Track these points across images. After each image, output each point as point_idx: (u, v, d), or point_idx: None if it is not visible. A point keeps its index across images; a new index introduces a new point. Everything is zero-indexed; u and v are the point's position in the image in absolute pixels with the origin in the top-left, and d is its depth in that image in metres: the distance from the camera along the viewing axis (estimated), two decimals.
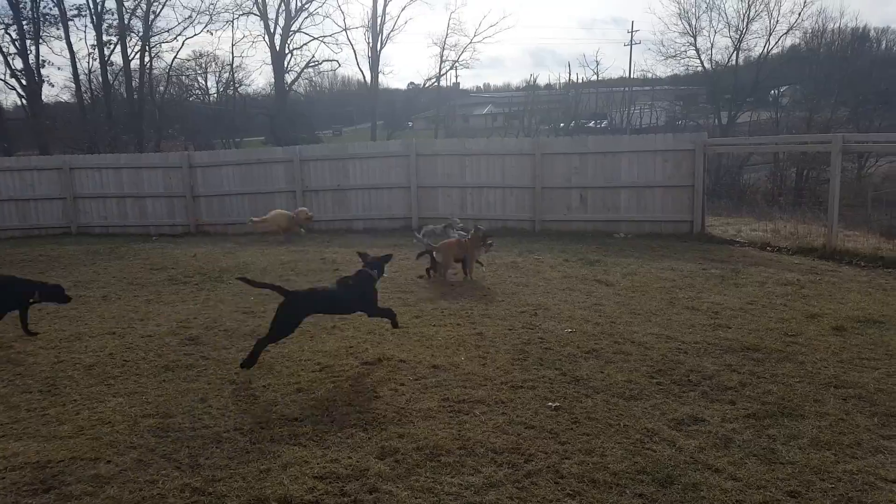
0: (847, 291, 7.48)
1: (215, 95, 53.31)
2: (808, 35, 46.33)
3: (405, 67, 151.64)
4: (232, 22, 52.66)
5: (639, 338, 5.78)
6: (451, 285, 8.18)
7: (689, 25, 44.53)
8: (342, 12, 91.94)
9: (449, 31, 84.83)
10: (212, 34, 78.70)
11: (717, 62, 44.91)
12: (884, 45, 58.89)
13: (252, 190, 14.65)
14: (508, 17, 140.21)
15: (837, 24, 48.36)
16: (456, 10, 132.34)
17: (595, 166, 12.87)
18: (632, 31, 59.63)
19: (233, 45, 51.95)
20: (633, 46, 59.49)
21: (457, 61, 52.63)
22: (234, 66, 49.77)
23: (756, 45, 44.50)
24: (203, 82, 51.71)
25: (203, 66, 49.44)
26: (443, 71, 52.85)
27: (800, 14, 43.08)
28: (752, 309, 6.76)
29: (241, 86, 51.82)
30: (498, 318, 6.57)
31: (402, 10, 72.08)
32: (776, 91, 47.96)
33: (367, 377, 5.01)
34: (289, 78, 48.96)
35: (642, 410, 4.31)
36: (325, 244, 11.97)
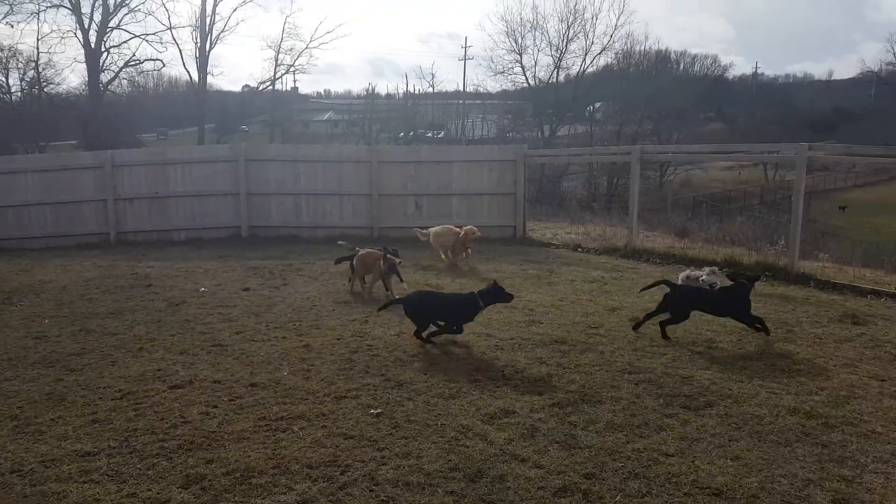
0: (643, 286, 8.32)
1: (19, 94, 47.29)
2: (619, 56, 51.14)
3: (238, 69, 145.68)
4: (38, 14, 46.99)
5: (461, 338, 5.99)
6: (272, 300, 7.91)
7: (516, 43, 47.21)
8: (167, 10, 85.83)
9: (284, 34, 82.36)
10: (12, 27, 69.68)
11: (540, 79, 48.02)
12: (682, 67, 66.81)
13: (56, 199, 13.14)
14: (345, 24, 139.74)
15: (643, 47, 53.86)
16: (291, 15, 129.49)
17: (429, 175, 13.22)
18: (465, 47, 62.27)
19: (38, 40, 46.34)
20: (467, 61, 62.01)
21: (293, 66, 51.40)
22: (39, 62, 44.46)
23: (574, 64, 48.32)
24: (3, 79, 45.65)
25: (3, 61, 43.67)
26: (278, 74, 51.43)
27: (611, 36, 47.09)
28: (563, 305, 7.30)
29: (48, 85, 46.42)
30: (327, 329, 6.47)
31: (234, 10, 68.62)
32: (592, 107, 52.44)
33: (176, 402, 4.68)
34: (105, 77, 44.82)
35: (459, 408, 4.46)
36: (139, 257, 11.06)
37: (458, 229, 10.07)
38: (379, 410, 4.44)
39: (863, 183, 58.05)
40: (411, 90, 58.07)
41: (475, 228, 10.00)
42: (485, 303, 5.90)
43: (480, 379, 5.00)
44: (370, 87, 61.66)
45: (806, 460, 3.74)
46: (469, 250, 10.05)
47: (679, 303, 6.04)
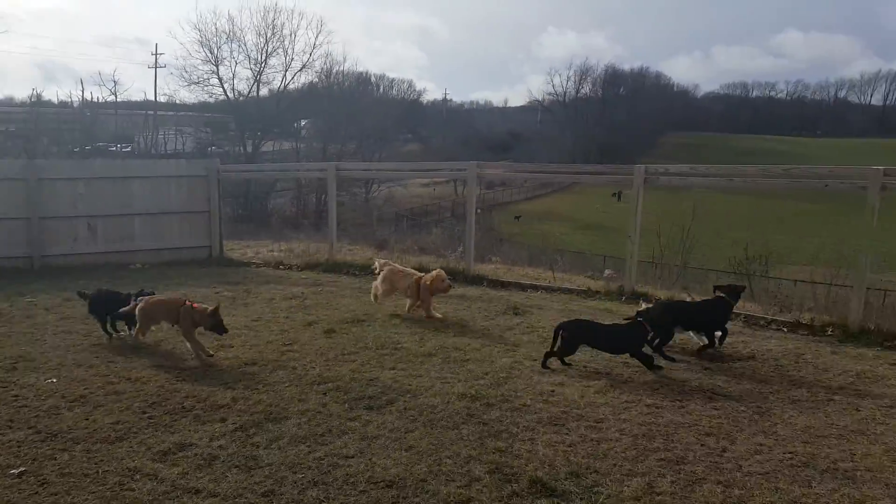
0: (341, 298, 8.55)
1: None
2: (321, 74, 52.12)
3: None
4: None
5: (136, 373, 5.40)
6: None
7: (211, 54, 45.02)
8: None
9: None
10: None
11: (240, 92, 46.57)
12: (381, 89, 70.90)
13: None
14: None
15: (342, 67, 55.76)
16: None
17: (105, 192, 11.71)
18: (156, 54, 57.28)
19: None
20: (159, 69, 57.16)
21: None
22: None
23: (275, 79, 47.95)
24: None
25: None
26: None
27: (311, 54, 47.84)
28: (257, 325, 7.09)
29: None
30: None
31: None
32: (298, 123, 52.61)
33: None
34: None
35: (127, 450, 4.00)
36: None
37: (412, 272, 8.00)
38: (21, 469, 3.75)
39: (532, 196, 68.21)
40: (88, 98, 51.43)
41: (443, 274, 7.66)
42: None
43: (155, 414, 4.56)
44: (34, 93, 52.73)
45: (469, 439, 4.17)
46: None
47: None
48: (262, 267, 11.39)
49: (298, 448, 4.02)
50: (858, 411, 4.84)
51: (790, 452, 4.10)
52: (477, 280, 9.71)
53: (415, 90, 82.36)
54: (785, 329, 7.40)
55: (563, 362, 5.78)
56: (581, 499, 3.48)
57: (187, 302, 5.97)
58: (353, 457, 3.91)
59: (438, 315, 7.49)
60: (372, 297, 7.96)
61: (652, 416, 4.63)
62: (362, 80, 61.36)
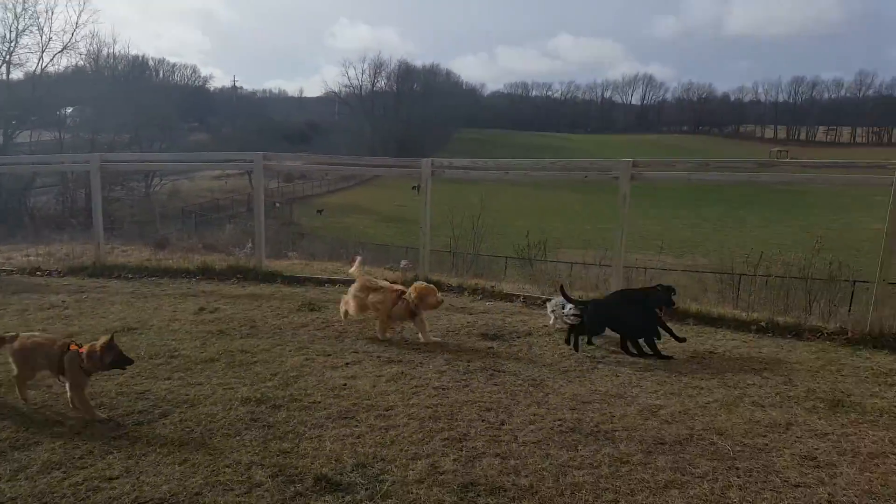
0: (111, 304, 7.69)
1: None
2: (87, 57, 46.43)
3: None
4: None
5: None
6: None
7: None
8: None
9: None
10: None
11: None
12: (161, 75, 65.19)
13: None
14: None
15: (112, 50, 50.25)
16: None
17: None
18: None
19: None
20: None
21: None
22: None
23: (29, 61, 41.71)
24: None
25: None
26: None
27: (73, 34, 42.29)
28: None
29: None
30: None
31: None
32: (62, 111, 46.45)
33: None
34: None
35: None
36: None
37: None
38: None
39: (336, 189, 67.80)
40: None
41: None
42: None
43: None
44: None
45: (252, 444, 3.97)
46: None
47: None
48: (14, 274, 9.86)
49: (51, 475, 3.53)
50: (618, 377, 5.45)
51: (560, 419, 4.49)
52: (270, 277, 9.32)
53: (199, 76, 77.20)
54: None
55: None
56: (366, 489, 3.49)
57: (72, 346, 4.42)
58: (117, 478, 3.51)
59: (436, 338, 6.39)
60: (342, 315, 6.84)
61: (438, 397, 4.80)
62: (138, 64, 56.08)
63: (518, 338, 6.55)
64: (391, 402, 4.68)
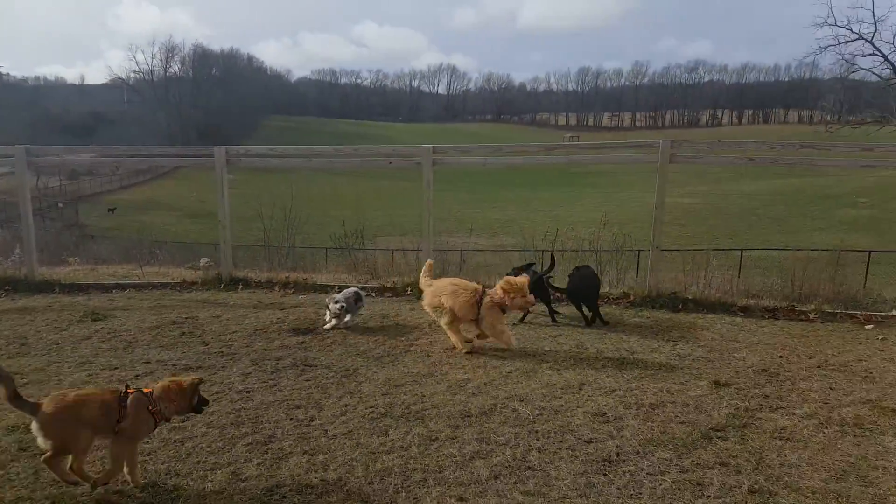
0: None
1: None
2: None
3: None
4: None
5: None
6: None
7: None
8: None
9: None
10: None
11: None
12: None
13: None
14: None
15: None
16: None
17: None
18: None
19: None
20: None
21: None
22: None
23: None
24: None
25: None
26: None
27: None
28: None
29: None
30: None
31: None
32: None
33: None
34: None
35: None
36: None
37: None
38: None
39: (130, 184, 61.86)
40: None
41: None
42: None
43: None
44: None
45: (19, 478, 3.47)
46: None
47: None
48: None
49: None
50: (429, 357, 5.59)
51: (371, 406, 4.48)
52: (46, 287, 8.22)
53: None
54: (374, 294, 8.14)
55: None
56: None
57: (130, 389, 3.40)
58: None
59: (513, 341, 5.78)
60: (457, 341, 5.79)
61: (242, 401, 4.55)
62: None
63: (332, 329, 6.45)
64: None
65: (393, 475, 3.55)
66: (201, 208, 48.82)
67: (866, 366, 5.38)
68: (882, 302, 8.58)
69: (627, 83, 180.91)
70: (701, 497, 3.32)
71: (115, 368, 5.21)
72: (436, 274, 8.26)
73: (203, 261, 9.79)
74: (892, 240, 27.22)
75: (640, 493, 3.35)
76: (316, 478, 3.51)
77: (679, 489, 3.40)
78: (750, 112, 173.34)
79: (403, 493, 3.37)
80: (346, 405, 4.51)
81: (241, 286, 8.40)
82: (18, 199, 8.47)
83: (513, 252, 16.50)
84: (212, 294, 8.07)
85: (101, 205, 45.61)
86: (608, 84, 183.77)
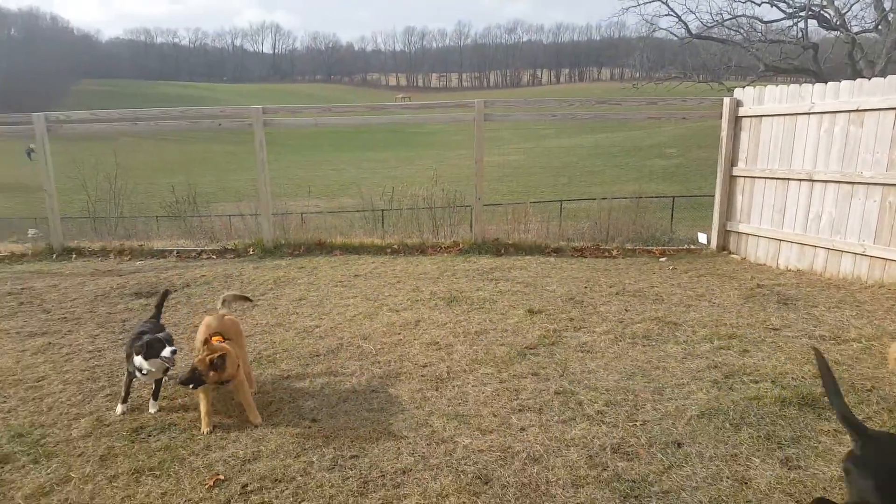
0: None
1: None
2: None
3: None
4: None
5: None
6: None
7: None
8: None
9: None
10: None
11: None
12: None
13: None
14: None
15: None
16: None
17: None
18: None
19: None
20: None
21: None
22: None
23: None
24: None
25: None
26: None
27: None
28: None
29: None
30: None
31: None
32: None
33: None
34: None
35: None
36: None
37: None
38: None
39: None
40: None
41: None
42: None
43: None
44: None
45: None
46: None
47: None
48: None
49: None
50: (276, 309, 5.96)
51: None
52: None
53: None
54: (214, 256, 8.25)
55: None
56: (27, 455, 3.39)
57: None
58: None
59: None
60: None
61: (95, 360, 4.69)
62: None
63: (175, 291, 6.57)
64: (42, 373, 4.43)
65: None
66: (8, 182, 43.21)
67: (657, 291, 6.29)
68: (677, 240, 10.19)
69: (452, 43, 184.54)
70: (516, 399, 3.98)
71: None
72: (280, 239, 8.56)
73: (31, 232, 9.20)
74: (695, 186, 30.80)
75: (467, 401, 3.99)
76: (177, 416, 3.84)
77: (498, 395, 4.05)
78: (567, 71, 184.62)
79: (264, 422, 3.79)
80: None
81: (74, 256, 8.11)
82: None
83: (353, 212, 16.89)
84: (44, 265, 7.74)
85: None
86: (434, 45, 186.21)
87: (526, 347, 4.85)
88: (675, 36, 28.46)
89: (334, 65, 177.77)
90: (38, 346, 4.95)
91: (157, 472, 3.23)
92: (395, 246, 8.48)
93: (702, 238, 8.75)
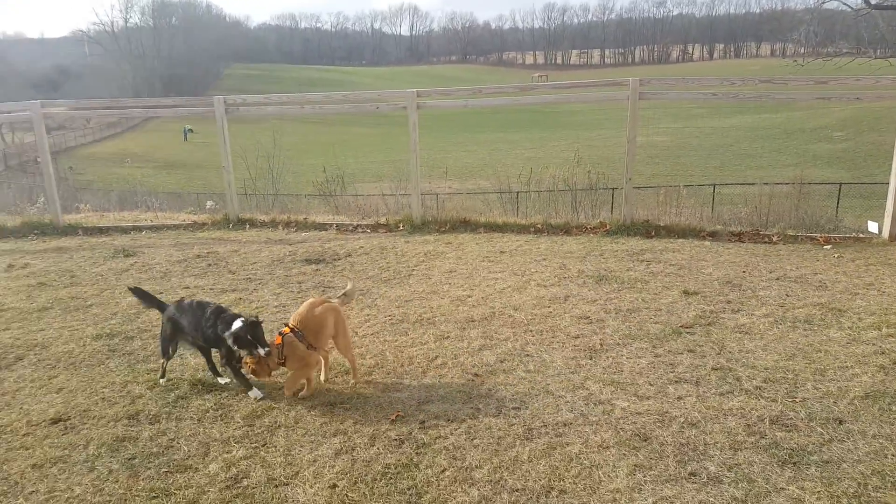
0: None
1: None
2: None
3: None
4: None
5: None
6: None
7: None
8: None
9: None
10: None
11: None
12: None
13: None
14: None
15: None
16: None
17: None
18: None
19: None
20: None
21: None
22: None
23: None
24: None
25: None
26: None
27: None
28: None
29: None
30: None
31: None
32: None
33: None
34: None
35: None
36: None
37: None
38: None
39: (100, 138, 60.67)
40: None
41: None
42: None
43: None
44: None
45: (119, 369, 4.32)
46: None
47: None
48: None
49: None
50: (430, 279, 6.42)
51: (389, 315, 5.32)
52: (70, 231, 8.91)
53: None
54: (369, 230, 8.92)
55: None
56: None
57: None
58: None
59: None
60: None
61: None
62: None
63: (339, 259, 7.24)
64: None
65: (418, 360, 4.42)
66: (172, 160, 48.47)
67: (821, 278, 5.94)
68: (844, 227, 9.40)
69: (595, 19, 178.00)
70: (672, 372, 4.04)
71: (161, 293, 5.97)
72: (427, 216, 8.97)
73: (209, 204, 10.43)
74: (865, 172, 27.77)
75: (622, 370, 4.11)
76: (358, 363, 4.37)
77: (654, 367, 4.13)
78: (721, 46, 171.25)
79: (431, 372, 4.23)
80: (367, 315, 5.34)
81: (248, 226, 9.12)
82: (38, 151, 8.98)
83: (489, 194, 17.27)
84: (223, 233, 8.78)
85: (75, 159, 45.01)
86: (575, 20, 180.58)
87: (681, 326, 4.82)
88: (849, 7, 25.69)
89: (470, 45, 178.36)
90: (230, 301, 5.73)
91: (347, 406, 3.76)
92: (539, 225, 8.68)
93: (872, 227, 8.16)
